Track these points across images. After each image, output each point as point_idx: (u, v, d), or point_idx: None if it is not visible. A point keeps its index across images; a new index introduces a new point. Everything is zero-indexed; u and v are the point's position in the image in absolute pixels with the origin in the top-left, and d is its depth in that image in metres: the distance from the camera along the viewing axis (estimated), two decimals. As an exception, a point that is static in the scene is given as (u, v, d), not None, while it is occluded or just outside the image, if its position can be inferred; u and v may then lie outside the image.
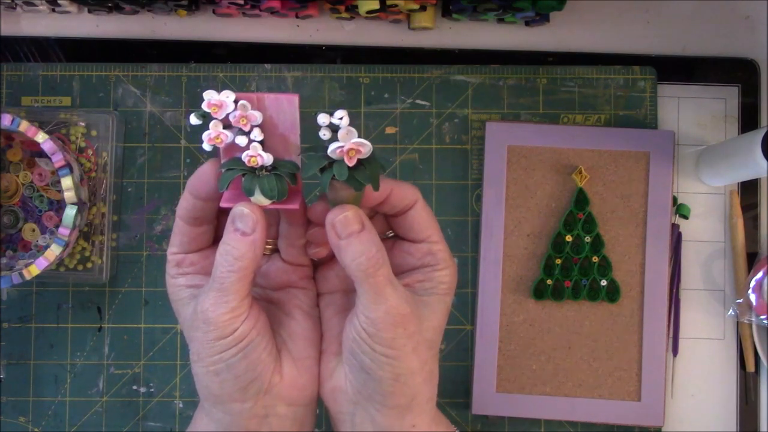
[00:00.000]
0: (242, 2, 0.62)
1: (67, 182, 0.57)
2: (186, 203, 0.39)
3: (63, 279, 0.63)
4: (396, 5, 0.61)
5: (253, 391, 0.39)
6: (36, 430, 0.63)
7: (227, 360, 0.38)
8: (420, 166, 0.65)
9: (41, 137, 0.57)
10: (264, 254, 0.42)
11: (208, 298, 0.38)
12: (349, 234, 0.37)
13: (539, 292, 0.62)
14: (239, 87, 0.65)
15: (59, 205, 0.62)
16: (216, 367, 0.38)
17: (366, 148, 0.36)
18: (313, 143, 0.38)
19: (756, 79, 0.66)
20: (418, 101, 0.65)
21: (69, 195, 0.57)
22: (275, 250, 0.43)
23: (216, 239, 0.42)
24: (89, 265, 0.63)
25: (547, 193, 0.63)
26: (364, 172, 0.37)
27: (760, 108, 0.66)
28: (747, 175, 0.61)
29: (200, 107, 0.37)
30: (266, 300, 0.43)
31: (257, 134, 0.37)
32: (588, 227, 0.62)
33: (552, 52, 0.66)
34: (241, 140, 0.37)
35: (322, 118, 0.36)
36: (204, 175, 0.39)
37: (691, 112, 0.66)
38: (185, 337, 0.41)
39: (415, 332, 0.38)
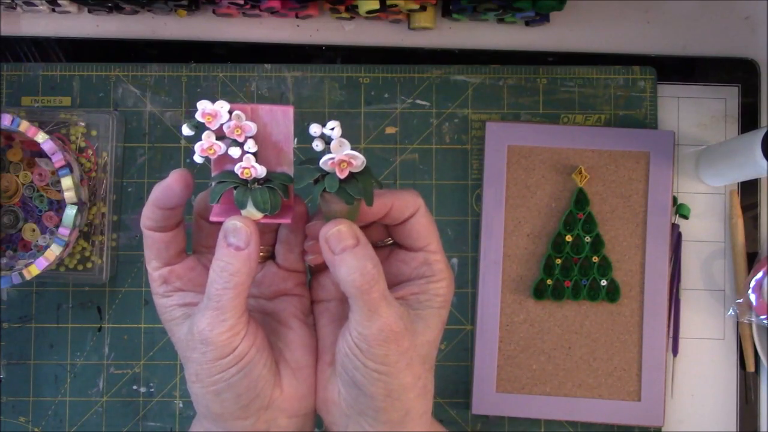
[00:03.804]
0: (242, 2, 0.62)
1: (67, 182, 0.57)
2: (152, 215, 0.38)
3: (63, 279, 0.63)
4: (396, 5, 0.61)
5: (254, 408, 0.38)
6: (36, 430, 0.63)
7: (228, 380, 0.37)
8: (420, 166, 0.65)
9: (41, 137, 0.57)
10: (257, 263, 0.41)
11: (205, 318, 0.37)
12: (343, 249, 0.36)
13: (539, 292, 0.62)
14: (239, 87, 0.65)
15: (59, 205, 0.62)
16: (216, 387, 0.37)
17: (358, 160, 0.36)
18: (311, 151, 0.37)
19: (756, 79, 0.66)
20: (418, 101, 0.65)
21: (69, 195, 0.57)
22: (267, 258, 0.42)
23: (196, 250, 0.42)
24: (89, 265, 0.63)
25: (547, 193, 0.63)
26: (356, 185, 0.36)
27: (760, 108, 0.66)
28: (747, 175, 0.60)
29: (193, 117, 0.36)
30: (260, 311, 0.42)
31: (251, 145, 0.37)
32: (588, 227, 0.62)
33: (552, 52, 0.66)
34: (234, 152, 0.37)
35: (314, 129, 0.36)
36: (170, 190, 0.37)
37: (691, 112, 0.66)
38: (180, 357, 0.40)
39: (408, 348, 0.38)
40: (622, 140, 0.63)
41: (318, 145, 0.36)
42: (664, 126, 0.66)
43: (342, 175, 0.36)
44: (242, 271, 0.37)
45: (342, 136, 0.36)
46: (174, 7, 0.64)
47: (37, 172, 0.62)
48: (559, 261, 0.62)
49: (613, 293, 0.62)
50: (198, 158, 0.37)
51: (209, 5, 0.65)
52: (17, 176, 0.62)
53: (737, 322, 0.64)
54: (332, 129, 0.36)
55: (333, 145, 0.36)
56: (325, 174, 0.37)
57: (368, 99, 0.65)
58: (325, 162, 0.36)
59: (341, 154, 0.36)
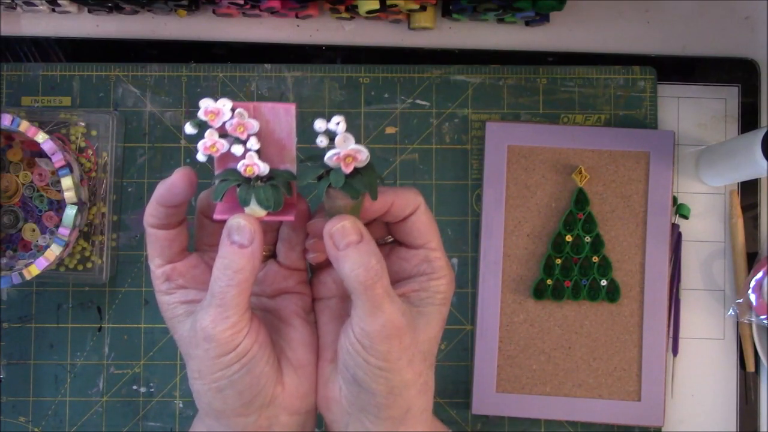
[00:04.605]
0: (242, 2, 0.62)
1: (67, 182, 0.57)
2: (156, 212, 0.39)
3: (63, 279, 0.63)
4: (396, 5, 0.61)
5: (256, 405, 0.39)
6: (36, 430, 0.63)
7: (230, 376, 0.37)
8: (420, 166, 0.65)
9: (41, 137, 0.57)
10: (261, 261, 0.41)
11: (208, 315, 0.37)
12: (347, 245, 0.37)
13: (539, 292, 0.62)
14: (239, 87, 0.65)
15: (59, 205, 0.62)
16: (219, 384, 0.38)
17: (363, 155, 0.36)
18: (313, 147, 0.37)
19: (756, 79, 0.66)
20: (418, 101, 0.65)
21: (69, 195, 0.57)
22: (270, 256, 0.42)
23: (198, 247, 0.42)
24: (89, 265, 0.63)
25: (547, 193, 0.63)
26: (361, 180, 0.36)
27: (760, 108, 0.66)
28: (747, 175, 0.61)
29: (196, 116, 0.36)
30: (262, 309, 0.42)
31: (254, 143, 0.37)
32: (588, 227, 0.62)
33: (552, 52, 0.66)
34: (237, 149, 0.37)
35: (319, 124, 0.36)
36: (174, 188, 0.38)
37: (691, 112, 0.66)
38: (182, 354, 0.40)
39: (410, 345, 0.38)
40: (622, 140, 0.63)
41: (322, 141, 0.36)
42: (664, 126, 0.66)
43: (347, 170, 0.36)
44: (246, 269, 0.37)
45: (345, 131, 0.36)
46: (174, 7, 0.64)
47: (37, 172, 0.62)
48: (559, 261, 0.62)
49: (613, 293, 0.62)
50: (201, 156, 0.37)
51: (209, 5, 0.65)
52: (17, 176, 0.62)
53: (737, 322, 0.64)
54: (337, 124, 0.36)
55: (338, 140, 0.36)
56: (328, 170, 0.37)
57: (368, 99, 0.65)
58: (330, 157, 0.36)
59: (347, 149, 0.36)
